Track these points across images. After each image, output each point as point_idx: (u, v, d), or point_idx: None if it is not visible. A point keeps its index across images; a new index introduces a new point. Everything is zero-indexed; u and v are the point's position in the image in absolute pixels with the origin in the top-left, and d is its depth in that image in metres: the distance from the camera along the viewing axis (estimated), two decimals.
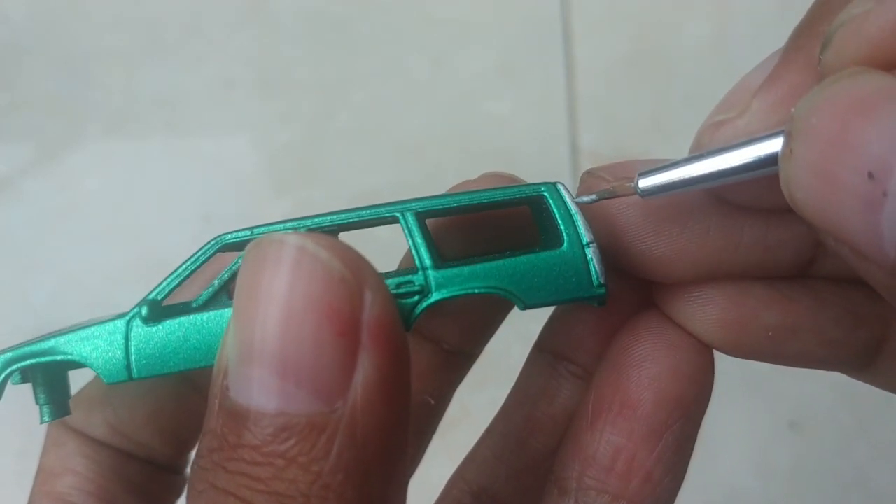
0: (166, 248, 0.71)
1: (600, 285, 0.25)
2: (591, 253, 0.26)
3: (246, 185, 0.74)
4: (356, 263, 0.20)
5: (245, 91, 0.76)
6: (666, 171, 0.24)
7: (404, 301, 0.25)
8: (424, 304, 0.25)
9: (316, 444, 0.18)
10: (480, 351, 0.32)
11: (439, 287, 0.25)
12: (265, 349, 0.19)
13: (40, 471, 0.30)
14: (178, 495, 0.33)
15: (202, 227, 0.72)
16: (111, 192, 0.73)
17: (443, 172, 0.73)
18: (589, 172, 0.27)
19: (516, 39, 0.76)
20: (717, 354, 0.28)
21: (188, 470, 0.32)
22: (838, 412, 0.66)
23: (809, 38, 0.22)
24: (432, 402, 0.31)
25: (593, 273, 0.26)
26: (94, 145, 0.74)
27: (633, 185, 0.24)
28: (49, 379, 0.26)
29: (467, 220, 0.29)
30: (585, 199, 0.26)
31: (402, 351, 0.20)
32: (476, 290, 0.25)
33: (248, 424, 0.19)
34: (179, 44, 0.77)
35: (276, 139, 0.75)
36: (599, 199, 0.26)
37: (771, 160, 0.21)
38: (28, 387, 0.26)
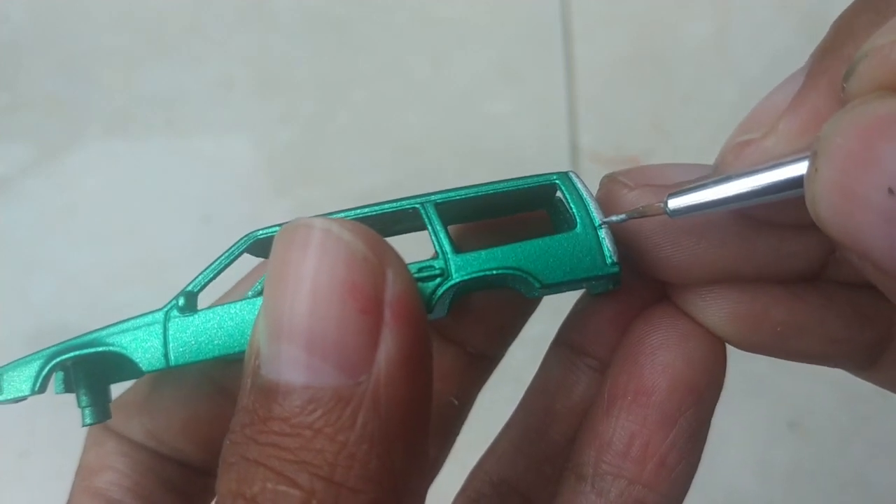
0: (166, 248, 0.71)
1: (613, 263, 0.26)
2: (603, 233, 0.26)
3: (246, 185, 0.74)
4: (378, 245, 0.21)
5: (245, 91, 0.76)
6: (695, 192, 0.24)
7: (426, 284, 0.26)
8: (445, 287, 0.26)
9: (342, 415, 0.19)
10: (503, 354, 0.33)
11: (458, 270, 0.26)
12: (294, 326, 0.20)
13: (80, 468, 0.31)
14: (213, 495, 0.33)
15: (202, 227, 0.72)
16: (111, 192, 0.73)
17: (443, 172, 0.73)
18: (610, 178, 0.28)
19: (516, 39, 0.76)
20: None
21: None
22: (838, 412, 0.66)
23: (834, 60, 0.22)
24: (456, 403, 0.32)
25: (606, 252, 0.26)
26: (94, 145, 0.74)
27: (662, 205, 0.25)
28: (91, 383, 0.27)
29: (484, 232, 0.30)
30: (615, 218, 0.26)
31: (422, 328, 0.21)
32: (494, 271, 0.26)
33: (277, 398, 0.20)
34: (179, 44, 0.77)
35: (276, 139, 0.75)
36: (629, 219, 0.26)
37: (799, 182, 0.21)
38: None
